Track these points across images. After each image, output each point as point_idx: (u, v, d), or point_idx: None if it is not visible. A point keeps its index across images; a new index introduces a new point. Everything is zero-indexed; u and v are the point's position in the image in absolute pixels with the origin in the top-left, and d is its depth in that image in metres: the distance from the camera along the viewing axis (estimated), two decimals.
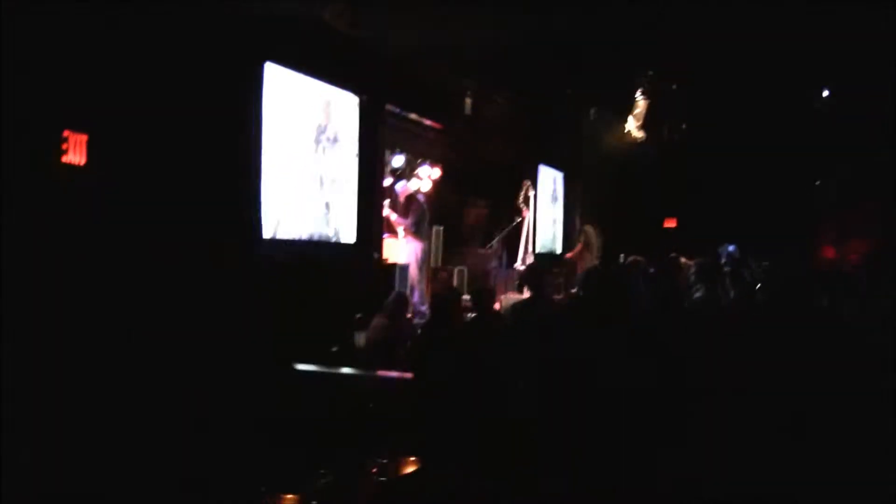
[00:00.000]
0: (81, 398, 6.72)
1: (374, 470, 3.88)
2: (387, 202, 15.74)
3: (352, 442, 4.86)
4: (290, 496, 3.76)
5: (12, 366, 6.91)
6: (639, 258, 12.15)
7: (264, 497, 3.83)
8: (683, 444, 4.71)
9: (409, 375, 6.80)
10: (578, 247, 19.09)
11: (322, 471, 4.09)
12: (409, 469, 4.49)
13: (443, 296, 9.05)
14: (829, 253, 23.01)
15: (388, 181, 16.68)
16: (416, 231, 15.14)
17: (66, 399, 6.63)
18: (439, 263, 17.23)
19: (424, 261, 15.46)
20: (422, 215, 15.40)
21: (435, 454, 4.76)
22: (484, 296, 9.15)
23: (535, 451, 4.80)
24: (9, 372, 6.84)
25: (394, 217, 15.50)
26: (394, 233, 15.92)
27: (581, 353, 5.40)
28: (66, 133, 8.28)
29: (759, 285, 8.21)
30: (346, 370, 7.14)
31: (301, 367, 6.30)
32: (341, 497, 3.89)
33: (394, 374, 6.99)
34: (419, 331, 9.13)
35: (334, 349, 11.76)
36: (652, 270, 9.89)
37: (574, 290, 11.37)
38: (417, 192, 16.55)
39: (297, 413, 5.52)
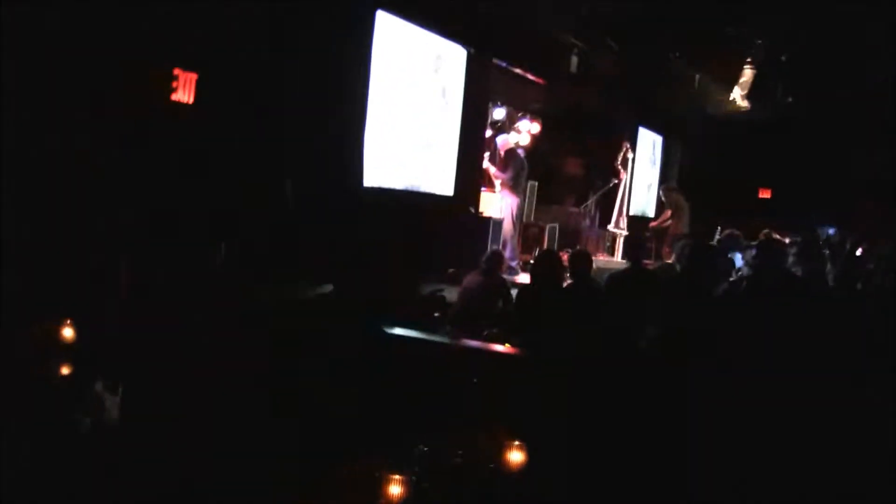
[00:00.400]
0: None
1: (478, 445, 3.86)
2: (486, 155, 15.63)
3: (456, 416, 4.83)
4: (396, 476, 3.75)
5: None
6: (736, 232, 11.99)
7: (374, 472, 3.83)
8: None
9: (513, 350, 6.74)
10: (667, 213, 18.82)
11: (423, 447, 4.05)
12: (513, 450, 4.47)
13: (545, 258, 8.92)
14: None
15: (487, 133, 16.62)
16: (514, 186, 14.98)
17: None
18: (531, 219, 17.13)
19: (519, 216, 15.32)
20: (521, 170, 15.23)
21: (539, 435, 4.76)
22: (582, 260, 9.06)
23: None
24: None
25: (493, 170, 15.36)
26: (491, 186, 15.85)
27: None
28: (176, 71, 8.35)
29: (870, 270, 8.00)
30: (447, 340, 7.06)
31: (399, 331, 6.23)
32: (445, 473, 3.88)
33: (500, 347, 6.91)
34: (518, 291, 9.03)
35: (451, 270, 11.81)
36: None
37: (671, 261, 11.25)
38: (517, 145, 16.41)
39: (393, 381, 5.48)
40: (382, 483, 3.78)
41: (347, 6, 10.50)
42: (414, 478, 3.97)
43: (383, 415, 5.01)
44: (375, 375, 5.57)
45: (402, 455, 4.19)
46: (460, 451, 4.14)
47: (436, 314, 9.37)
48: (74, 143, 7.33)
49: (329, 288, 8.06)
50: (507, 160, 15.14)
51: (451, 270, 12.01)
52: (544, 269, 8.39)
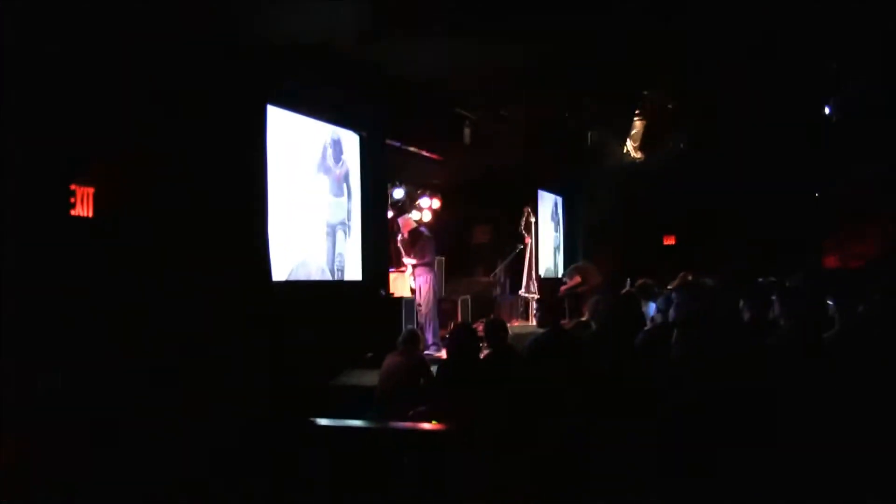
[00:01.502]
0: None
1: None
2: (398, 238, 15.66)
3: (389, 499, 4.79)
4: None
5: None
6: (648, 281, 12.09)
7: None
8: None
9: (434, 426, 6.73)
10: (576, 278, 18.88)
11: None
12: None
13: (459, 332, 8.92)
14: (832, 262, 23.06)
15: (389, 214, 16.65)
16: (427, 263, 14.99)
17: None
18: (443, 294, 17.17)
19: (437, 293, 15.32)
20: (429, 246, 15.26)
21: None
22: (497, 328, 9.05)
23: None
24: None
25: (404, 255, 15.37)
26: (399, 267, 15.86)
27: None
28: (73, 187, 8.26)
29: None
30: (370, 424, 7.04)
31: (322, 421, 6.19)
32: None
33: (423, 424, 6.90)
34: (438, 368, 9.01)
35: (369, 355, 11.76)
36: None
37: (584, 318, 11.28)
38: (419, 223, 16.48)
39: (320, 470, 5.44)
40: None
41: (238, 105, 10.49)
42: None
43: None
44: (307, 468, 5.52)
45: None
46: None
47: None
48: None
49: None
50: (414, 239, 15.18)
51: (368, 355, 11.99)
52: (459, 342, 8.39)
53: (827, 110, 16.91)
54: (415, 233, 15.28)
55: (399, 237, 15.64)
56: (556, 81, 14.93)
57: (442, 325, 15.54)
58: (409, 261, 15.24)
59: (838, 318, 7.52)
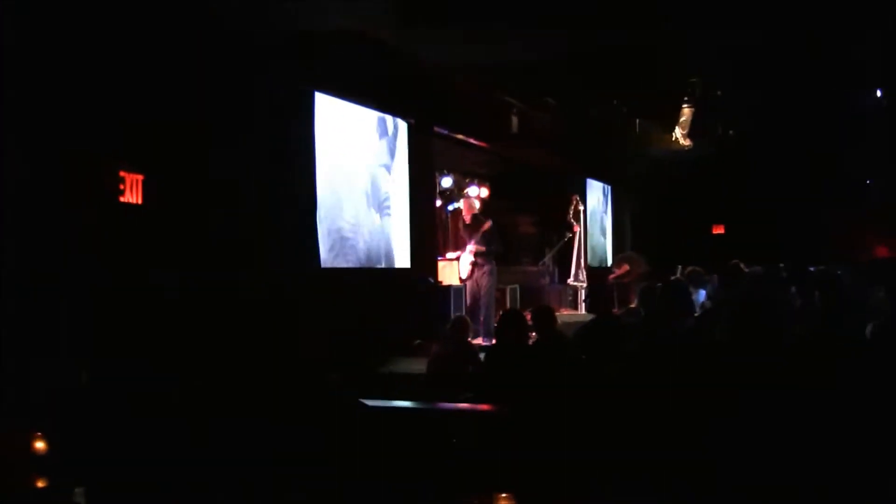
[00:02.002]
0: None
1: None
2: (461, 222, 15.43)
3: (439, 479, 4.79)
4: None
5: None
6: (697, 269, 12.04)
7: None
8: None
9: (486, 406, 6.72)
10: (624, 267, 18.74)
11: None
12: None
13: (509, 319, 8.87)
14: (883, 251, 22.77)
15: (437, 202, 16.62)
16: (492, 253, 14.74)
17: None
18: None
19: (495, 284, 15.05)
20: (497, 236, 14.94)
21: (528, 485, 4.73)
22: (545, 316, 9.00)
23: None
24: None
25: (472, 247, 14.96)
26: (446, 255, 15.78)
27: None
28: (122, 174, 8.32)
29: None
30: (419, 404, 7.05)
31: (371, 402, 6.22)
32: None
33: (470, 406, 6.90)
34: (486, 355, 8.97)
35: (417, 342, 11.76)
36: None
37: (633, 306, 11.22)
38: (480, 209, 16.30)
39: (374, 450, 5.45)
40: None
41: (286, 92, 10.53)
42: None
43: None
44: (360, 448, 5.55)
45: None
46: None
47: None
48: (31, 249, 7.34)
49: None
50: (477, 225, 14.85)
51: (417, 342, 11.98)
52: (509, 329, 8.34)
53: (878, 93, 16.70)
54: (477, 218, 14.97)
55: (461, 222, 15.38)
56: (602, 70, 14.86)
57: None
58: (473, 247, 14.78)
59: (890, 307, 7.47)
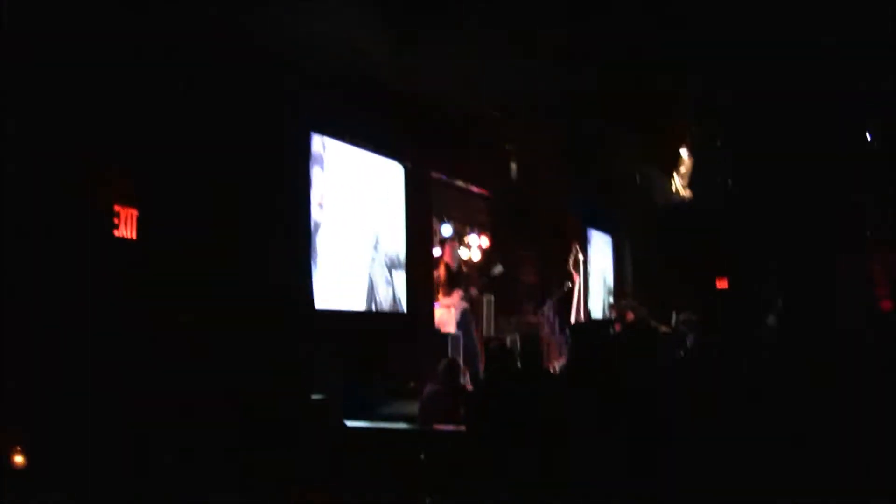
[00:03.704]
0: None
1: None
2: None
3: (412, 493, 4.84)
4: None
5: None
6: (693, 316, 12.24)
7: None
8: None
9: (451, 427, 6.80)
10: (629, 314, 18.74)
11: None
12: None
13: (495, 349, 8.94)
14: (887, 305, 22.58)
15: (437, 251, 16.63)
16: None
17: None
18: (492, 332, 17.09)
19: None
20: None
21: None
22: (534, 344, 9.10)
23: None
24: None
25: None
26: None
27: None
28: (117, 208, 8.35)
29: None
30: (400, 425, 7.12)
31: (353, 423, 6.30)
32: None
33: (450, 427, 6.97)
34: (475, 388, 9.02)
35: (412, 384, 11.76)
36: None
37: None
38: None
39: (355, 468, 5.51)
40: None
41: (282, 134, 10.58)
42: None
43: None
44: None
45: None
46: None
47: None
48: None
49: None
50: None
51: (412, 384, 11.96)
52: (496, 361, 8.41)
53: (868, 137, 16.71)
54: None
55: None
56: (599, 112, 14.93)
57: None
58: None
59: None
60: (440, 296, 15.43)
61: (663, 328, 11.38)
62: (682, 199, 20.13)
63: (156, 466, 7.03)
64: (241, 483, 5.82)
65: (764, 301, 14.78)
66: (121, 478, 6.97)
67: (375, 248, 13.09)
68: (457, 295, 15.01)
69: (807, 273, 20.74)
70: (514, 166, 16.59)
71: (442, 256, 15.87)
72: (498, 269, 16.50)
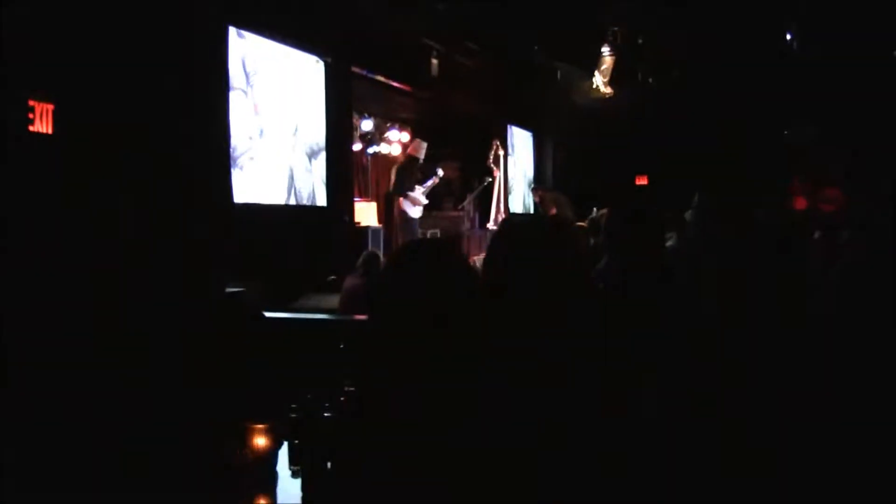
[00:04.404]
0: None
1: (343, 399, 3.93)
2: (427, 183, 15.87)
3: (327, 380, 4.92)
4: (260, 426, 3.83)
5: None
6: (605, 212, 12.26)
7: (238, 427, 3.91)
8: None
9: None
10: (552, 210, 18.91)
11: (293, 405, 4.14)
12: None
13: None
14: (801, 204, 22.95)
15: (357, 146, 16.64)
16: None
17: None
18: None
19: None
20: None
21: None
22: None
23: None
24: None
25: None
26: (365, 196, 15.89)
27: None
28: (31, 103, 8.27)
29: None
30: (319, 316, 7.22)
31: (271, 314, 6.41)
32: (310, 426, 3.96)
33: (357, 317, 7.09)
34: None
35: (331, 278, 11.84)
36: None
37: None
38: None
39: (271, 358, 5.59)
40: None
41: (197, 25, 10.48)
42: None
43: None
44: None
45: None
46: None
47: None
48: None
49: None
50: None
51: (331, 278, 12.05)
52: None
53: (788, 37, 16.88)
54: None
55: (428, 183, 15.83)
56: (523, 12, 14.93)
57: None
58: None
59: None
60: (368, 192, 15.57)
61: (581, 224, 11.44)
62: (603, 97, 20.22)
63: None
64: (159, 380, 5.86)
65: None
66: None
67: (295, 136, 13.07)
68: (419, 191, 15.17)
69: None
70: (434, 62, 16.57)
71: (363, 159, 15.97)
72: (439, 173, 16.61)
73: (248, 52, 11.86)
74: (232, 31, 11.37)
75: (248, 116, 11.82)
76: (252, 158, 11.79)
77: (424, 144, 16.09)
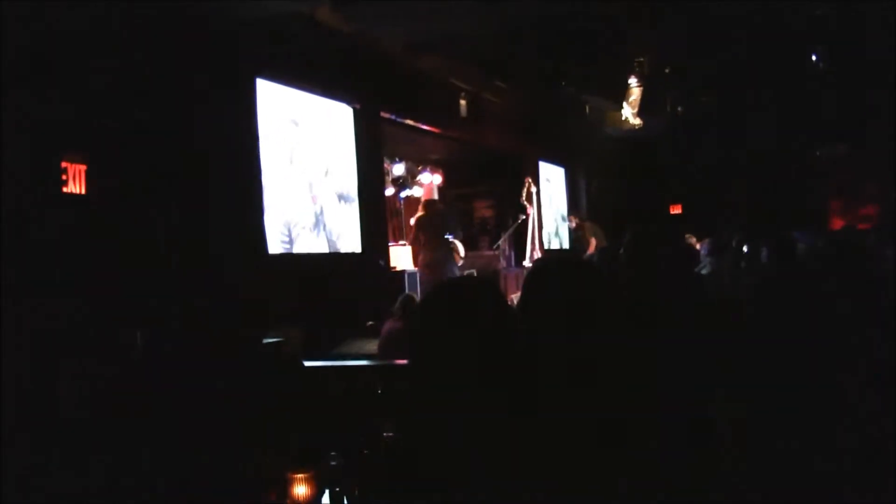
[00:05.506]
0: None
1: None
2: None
3: (367, 425, 4.92)
4: (301, 475, 3.83)
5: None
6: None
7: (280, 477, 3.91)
8: None
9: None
10: (593, 242, 18.88)
11: (333, 453, 4.13)
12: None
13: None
14: (838, 224, 22.92)
15: (390, 191, 16.67)
16: None
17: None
18: None
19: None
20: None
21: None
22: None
23: None
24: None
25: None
26: (398, 240, 15.90)
27: None
28: (64, 164, 8.33)
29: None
30: (356, 362, 7.22)
31: (310, 363, 6.41)
32: (351, 473, 3.96)
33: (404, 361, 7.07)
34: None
35: (370, 324, 11.81)
36: None
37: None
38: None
39: (310, 406, 5.59)
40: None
41: (227, 80, 10.55)
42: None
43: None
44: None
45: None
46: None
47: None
48: None
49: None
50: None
51: (369, 323, 12.03)
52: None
53: (814, 58, 16.79)
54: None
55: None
56: (549, 48, 14.94)
57: None
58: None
59: None
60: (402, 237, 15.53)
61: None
62: (633, 128, 20.17)
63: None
64: (200, 426, 5.87)
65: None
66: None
67: (326, 179, 13.10)
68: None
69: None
70: (462, 103, 16.62)
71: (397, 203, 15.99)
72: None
73: (278, 102, 11.93)
74: (261, 82, 11.45)
75: (282, 166, 11.88)
76: (285, 208, 11.83)
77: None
